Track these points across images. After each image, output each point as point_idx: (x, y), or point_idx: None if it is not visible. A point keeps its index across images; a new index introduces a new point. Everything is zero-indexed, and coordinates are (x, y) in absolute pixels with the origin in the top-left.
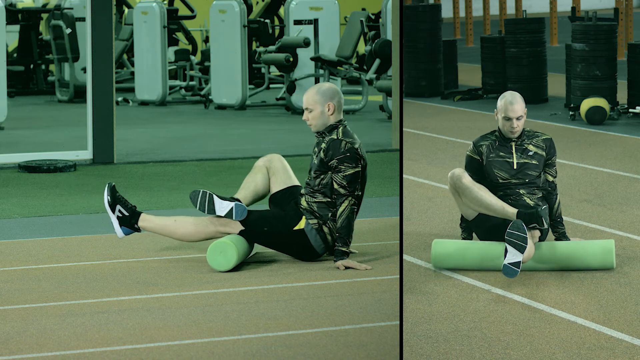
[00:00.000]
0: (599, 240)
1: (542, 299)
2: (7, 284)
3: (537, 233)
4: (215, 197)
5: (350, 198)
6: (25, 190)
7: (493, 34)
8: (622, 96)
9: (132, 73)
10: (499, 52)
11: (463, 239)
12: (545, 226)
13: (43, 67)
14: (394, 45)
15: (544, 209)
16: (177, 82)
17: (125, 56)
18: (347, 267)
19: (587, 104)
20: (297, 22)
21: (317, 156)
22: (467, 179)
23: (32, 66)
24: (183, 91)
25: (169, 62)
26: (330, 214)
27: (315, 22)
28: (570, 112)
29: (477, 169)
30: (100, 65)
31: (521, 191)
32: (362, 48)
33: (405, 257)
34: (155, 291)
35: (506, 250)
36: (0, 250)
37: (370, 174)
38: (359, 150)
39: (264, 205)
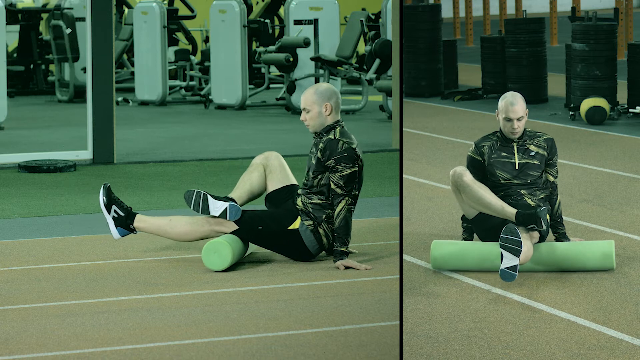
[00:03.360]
0: (598, 242)
1: (542, 299)
2: (7, 284)
3: (536, 234)
4: (209, 197)
5: (347, 198)
6: (25, 190)
7: (493, 34)
8: (622, 96)
9: (132, 73)
10: (499, 52)
11: (463, 239)
12: (544, 227)
13: (43, 67)
14: (394, 45)
15: (543, 210)
16: (177, 82)
17: (125, 56)
18: (347, 267)
19: (587, 104)
20: (297, 22)
21: (314, 156)
22: (468, 177)
23: (32, 66)
24: (183, 91)
25: (169, 62)
26: (324, 216)
27: (315, 22)
28: (570, 112)
29: (479, 169)
30: (100, 65)
31: (522, 191)
32: (362, 48)
33: (405, 257)
34: (155, 291)
35: (502, 255)
36: (0, 250)
37: (370, 174)
38: (356, 150)
39: (260, 205)
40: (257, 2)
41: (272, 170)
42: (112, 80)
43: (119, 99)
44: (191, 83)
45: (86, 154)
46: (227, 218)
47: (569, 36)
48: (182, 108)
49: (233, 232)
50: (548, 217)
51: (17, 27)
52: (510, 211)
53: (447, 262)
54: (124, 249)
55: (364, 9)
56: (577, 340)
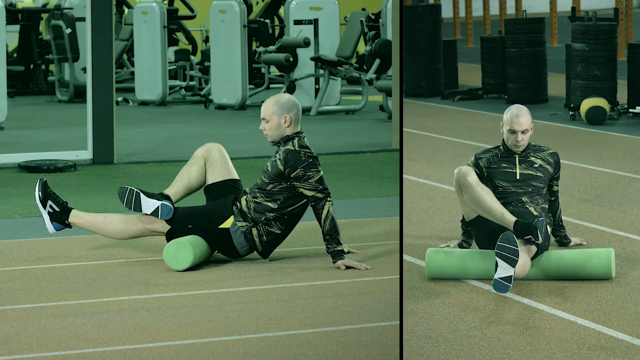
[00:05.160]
0: (598, 251)
1: (542, 299)
2: (7, 284)
3: (534, 247)
4: (142, 194)
5: (328, 199)
6: (25, 190)
7: (493, 34)
8: (622, 96)
9: (132, 73)
10: (499, 52)
11: (462, 240)
12: (540, 240)
13: (43, 67)
14: (394, 45)
15: (541, 221)
16: (177, 82)
17: (125, 56)
18: (347, 267)
19: (587, 104)
20: (297, 22)
21: (272, 163)
22: (472, 178)
23: (32, 66)
24: (183, 91)
25: (169, 62)
26: (263, 218)
27: (315, 22)
28: (570, 112)
29: None
30: (100, 65)
31: (524, 199)
32: (362, 48)
33: (405, 257)
34: (155, 291)
35: (497, 264)
36: (0, 250)
37: (370, 174)
38: (317, 158)
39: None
40: (257, 2)
41: (213, 163)
42: (112, 80)
43: (119, 99)
44: (191, 83)
45: (86, 154)
46: (159, 217)
47: (569, 36)
48: (182, 108)
49: (168, 232)
50: (549, 228)
51: (17, 27)
52: (510, 219)
53: (442, 273)
54: (125, 249)
55: (364, 9)
56: (577, 340)
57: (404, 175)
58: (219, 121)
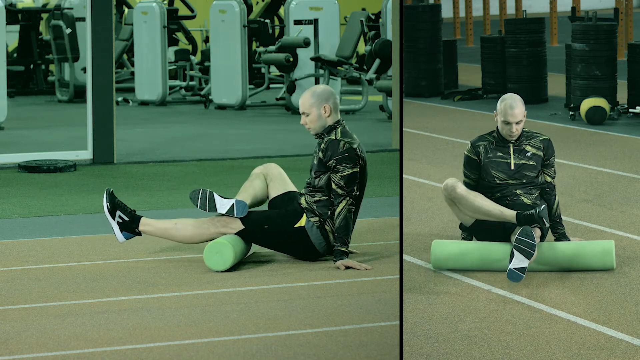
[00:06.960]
0: (598, 241)
1: (542, 299)
2: (7, 284)
3: (538, 232)
4: (215, 195)
5: (347, 198)
6: (25, 190)
7: (493, 34)
8: (622, 96)
9: (132, 73)
10: (499, 52)
11: (463, 238)
12: (547, 225)
13: (43, 67)
14: (394, 45)
15: (543, 210)
16: (177, 82)
17: (125, 56)
18: (347, 267)
19: (587, 104)
20: (297, 22)
21: (316, 156)
22: (461, 189)
23: (32, 66)
24: (183, 91)
25: (169, 62)
26: (329, 212)
27: (315, 22)
28: (570, 112)
29: (475, 168)
30: (100, 65)
31: (518, 191)
32: (362, 48)
33: (405, 257)
34: (155, 291)
35: (512, 255)
36: (0, 250)
37: (370, 174)
38: (357, 150)
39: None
40: (257, 2)
41: (272, 178)
42: (112, 80)
43: (119, 99)
44: (191, 83)
45: (86, 154)
46: (235, 215)
47: (569, 36)
48: (182, 108)
49: (239, 232)
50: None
51: (17, 27)
52: (510, 214)
53: (447, 262)
54: (124, 249)
55: (364, 9)
56: (577, 340)
57: (404, 175)
58: (219, 121)
